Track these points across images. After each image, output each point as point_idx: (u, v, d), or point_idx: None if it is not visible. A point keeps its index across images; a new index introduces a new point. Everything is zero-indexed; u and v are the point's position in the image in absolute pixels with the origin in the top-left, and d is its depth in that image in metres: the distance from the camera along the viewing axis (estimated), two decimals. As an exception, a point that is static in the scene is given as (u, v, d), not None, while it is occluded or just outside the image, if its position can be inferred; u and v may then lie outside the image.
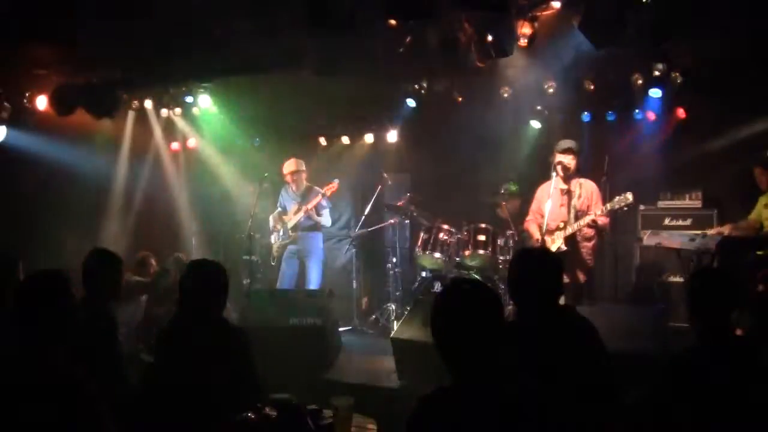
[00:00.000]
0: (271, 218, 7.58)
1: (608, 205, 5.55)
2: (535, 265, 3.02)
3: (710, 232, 6.01)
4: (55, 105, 7.38)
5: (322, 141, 8.64)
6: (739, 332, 3.02)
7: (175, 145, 9.03)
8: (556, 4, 5.60)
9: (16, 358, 2.56)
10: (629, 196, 5.45)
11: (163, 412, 3.16)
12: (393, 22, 5.62)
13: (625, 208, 5.57)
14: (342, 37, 5.66)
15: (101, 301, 3.75)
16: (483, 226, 6.82)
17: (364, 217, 7.73)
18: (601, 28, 5.24)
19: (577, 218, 5.71)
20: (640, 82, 6.71)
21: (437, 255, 6.94)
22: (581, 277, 5.73)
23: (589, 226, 5.67)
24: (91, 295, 3.70)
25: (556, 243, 5.68)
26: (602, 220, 5.65)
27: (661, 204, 7.12)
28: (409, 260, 7.51)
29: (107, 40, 5.96)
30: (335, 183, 7.29)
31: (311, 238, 7.38)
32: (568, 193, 5.83)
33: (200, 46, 6.15)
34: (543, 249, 5.02)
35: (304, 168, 7.45)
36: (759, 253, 5.69)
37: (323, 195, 7.24)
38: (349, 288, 7.93)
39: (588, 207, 5.76)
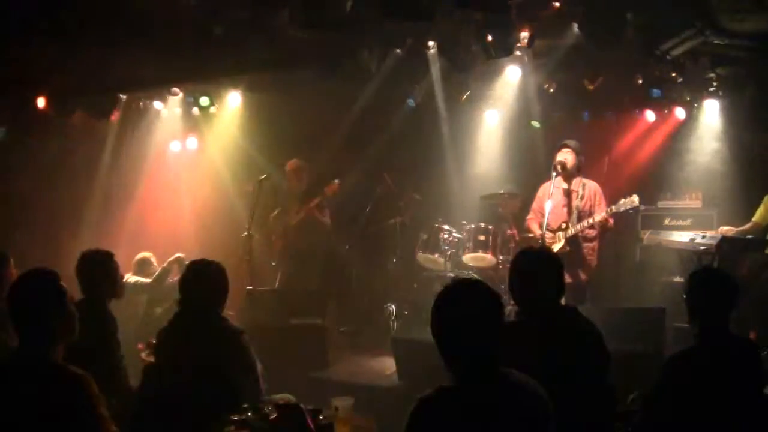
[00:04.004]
0: (271, 218, 7.57)
1: (613, 207, 5.50)
2: (535, 264, 3.02)
3: (711, 233, 6.00)
4: (55, 105, 7.37)
5: (322, 141, 8.63)
6: (752, 335, 3.02)
7: (174, 146, 9.02)
8: (556, 4, 5.60)
9: (15, 358, 2.57)
10: (635, 199, 5.40)
11: (162, 412, 3.16)
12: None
13: (631, 211, 5.54)
14: (342, 38, 5.66)
15: (100, 302, 3.76)
16: (483, 226, 6.81)
17: (364, 217, 7.72)
18: (601, 28, 5.24)
19: (579, 219, 5.68)
20: (640, 82, 6.72)
21: (437, 255, 6.93)
22: (583, 277, 5.72)
23: (592, 227, 5.64)
24: (89, 296, 3.71)
25: (558, 243, 5.66)
26: (608, 221, 5.62)
27: (661, 204, 7.11)
28: (409, 260, 7.50)
29: (107, 40, 5.96)
30: (335, 183, 7.28)
31: (312, 237, 7.37)
32: (570, 193, 5.80)
33: (200, 46, 6.14)
34: (543, 248, 5.01)
35: (305, 168, 7.45)
36: (766, 252, 5.67)
37: (324, 195, 7.23)
38: (349, 288, 7.91)
39: (591, 207, 5.73)
